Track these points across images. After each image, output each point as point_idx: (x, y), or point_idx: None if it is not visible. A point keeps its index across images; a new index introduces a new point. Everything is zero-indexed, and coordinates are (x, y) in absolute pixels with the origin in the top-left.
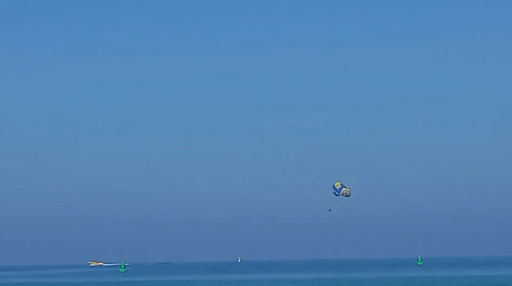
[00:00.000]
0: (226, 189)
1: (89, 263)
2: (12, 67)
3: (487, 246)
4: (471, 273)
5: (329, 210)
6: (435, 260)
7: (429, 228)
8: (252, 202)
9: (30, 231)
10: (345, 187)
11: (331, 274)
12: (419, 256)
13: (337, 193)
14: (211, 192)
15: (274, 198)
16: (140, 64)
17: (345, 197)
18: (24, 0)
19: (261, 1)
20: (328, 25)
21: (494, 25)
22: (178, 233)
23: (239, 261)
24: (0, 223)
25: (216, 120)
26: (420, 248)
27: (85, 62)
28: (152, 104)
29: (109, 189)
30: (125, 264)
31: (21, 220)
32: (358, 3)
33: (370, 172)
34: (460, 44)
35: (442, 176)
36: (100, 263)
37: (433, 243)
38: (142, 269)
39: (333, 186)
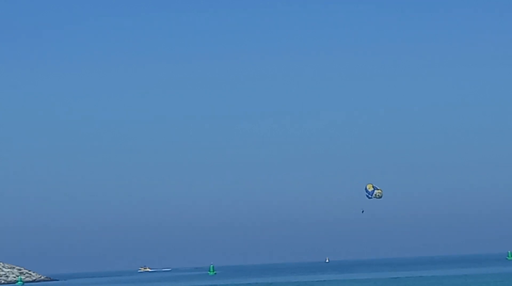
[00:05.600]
0: (306, 191)
1: (140, 269)
2: (19, 76)
3: None
4: None
5: (362, 211)
6: None
7: None
8: (339, 203)
9: (81, 240)
10: (377, 189)
11: (423, 272)
12: (509, 251)
13: (370, 196)
14: (294, 194)
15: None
16: (140, 73)
17: (377, 199)
18: (26, 7)
19: (257, 7)
20: (326, 30)
21: (496, 30)
22: (266, 235)
23: (327, 261)
24: (55, 232)
25: (227, 126)
26: (511, 243)
27: (82, 70)
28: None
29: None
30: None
31: (74, 229)
32: (357, 10)
33: (451, 172)
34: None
35: None
36: (147, 269)
37: None
38: (230, 272)
39: (365, 188)
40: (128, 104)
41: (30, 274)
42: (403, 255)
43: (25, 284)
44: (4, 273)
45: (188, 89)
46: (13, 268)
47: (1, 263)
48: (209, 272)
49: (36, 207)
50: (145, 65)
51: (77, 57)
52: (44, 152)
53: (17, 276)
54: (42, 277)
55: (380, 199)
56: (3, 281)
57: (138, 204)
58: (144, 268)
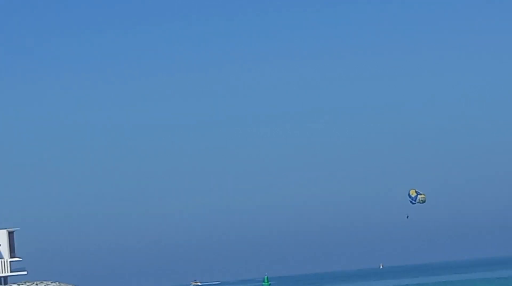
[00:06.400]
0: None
1: (191, 284)
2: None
3: None
4: None
5: (407, 217)
6: None
7: None
8: (388, 207)
9: (134, 257)
10: (420, 194)
11: (481, 274)
12: None
13: (413, 201)
14: (345, 201)
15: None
16: (147, 80)
17: (421, 204)
18: (29, 14)
19: (259, 10)
20: (329, 32)
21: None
22: (318, 243)
23: (381, 267)
24: (109, 251)
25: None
26: None
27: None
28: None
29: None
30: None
31: (126, 247)
32: (357, 10)
33: None
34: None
35: None
36: (198, 283)
37: None
38: (284, 282)
39: (408, 194)
40: (141, 110)
41: None
42: (460, 258)
43: None
44: None
45: (193, 95)
46: None
47: (57, 283)
48: (263, 283)
49: (89, 227)
50: (151, 72)
51: (84, 65)
52: (87, 169)
53: None
54: None
55: (424, 203)
56: None
57: (183, 219)
58: (195, 282)
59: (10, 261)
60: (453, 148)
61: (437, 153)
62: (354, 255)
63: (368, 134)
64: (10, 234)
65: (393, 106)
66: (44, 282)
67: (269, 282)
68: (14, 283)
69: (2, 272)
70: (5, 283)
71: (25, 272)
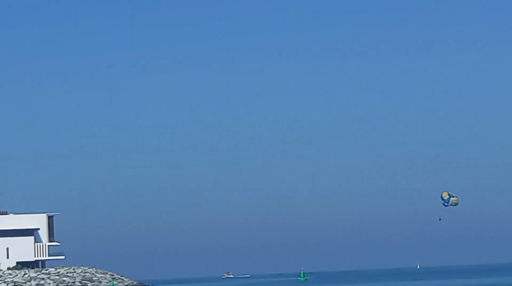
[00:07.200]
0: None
1: (224, 276)
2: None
3: None
4: None
5: (440, 219)
6: None
7: None
8: (425, 206)
9: (170, 246)
10: (453, 197)
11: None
12: None
13: (446, 204)
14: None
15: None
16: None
17: (453, 206)
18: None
19: (251, 37)
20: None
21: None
22: (353, 240)
23: (418, 267)
24: (146, 238)
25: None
26: None
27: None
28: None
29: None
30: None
31: (164, 236)
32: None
33: None
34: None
35: None
36: (231, 275)
37: None
38: (319, 278)
39: (441, 196)
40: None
41: (122, 279)
42: (496, 261)
43: None
44: (97, 278)
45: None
46: (106, 273)
47: (94, 268)
48: (299, 278)
49: (127, 214)
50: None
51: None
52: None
53: (110, 281)
54: (134, 283)
55: (457, 206)
56: None
57: (222, 210)
58: (228, 274)
59: (49, 245)
60: (487, 151)
61: (471, 155)
62: (392, 254)
63: (404, 137)
64: (50, 218)
65: (426, 108)
66: (82, 267)
67: (305, 277)
68: (52, 267)
69: (41, 256)
70: (43, 266)
71: (63, 257)
